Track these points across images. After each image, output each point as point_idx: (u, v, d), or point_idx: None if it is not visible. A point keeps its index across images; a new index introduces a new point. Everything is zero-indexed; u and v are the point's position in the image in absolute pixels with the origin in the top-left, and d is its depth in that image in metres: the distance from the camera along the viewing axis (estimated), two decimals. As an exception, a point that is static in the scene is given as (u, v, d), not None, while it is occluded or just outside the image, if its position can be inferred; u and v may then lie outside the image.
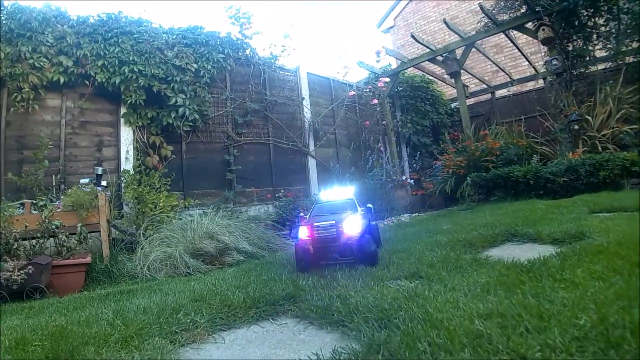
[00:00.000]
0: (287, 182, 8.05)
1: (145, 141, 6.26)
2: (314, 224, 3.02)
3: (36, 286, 3.28)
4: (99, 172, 4.76)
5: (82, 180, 4.66)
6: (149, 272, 3.81)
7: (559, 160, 6.09)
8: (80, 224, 3.86)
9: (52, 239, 3.87)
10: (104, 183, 4.99)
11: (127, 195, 5.69)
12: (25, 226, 3.67)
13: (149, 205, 5.67)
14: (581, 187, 5.46)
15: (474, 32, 8.66)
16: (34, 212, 4.03)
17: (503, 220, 3.96)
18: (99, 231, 4.22)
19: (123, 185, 5.80)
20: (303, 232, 3.00)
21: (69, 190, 4.24)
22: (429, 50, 9.25)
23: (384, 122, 10.01)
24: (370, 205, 3.56)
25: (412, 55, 10.61)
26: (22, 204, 4.24)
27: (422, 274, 2.26)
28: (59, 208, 4.08)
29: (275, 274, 2.82)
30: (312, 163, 8.54)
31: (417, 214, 7.75)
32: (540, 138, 8.28)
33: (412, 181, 9.62)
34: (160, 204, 5.75)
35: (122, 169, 5.93)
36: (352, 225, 2.91)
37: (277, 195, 7.61)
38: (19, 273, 3.12)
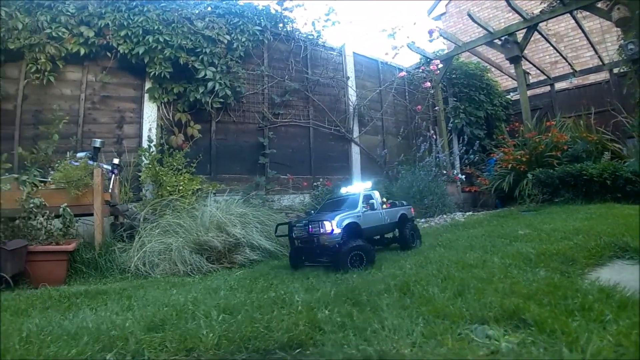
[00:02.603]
0: (327, 170, 7.24)
1: (171, 119, 5.72)
2: (292, 223, 2.90)
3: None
4: (97, 145, 4.15)
5: (78, 154, 4.06)
6: (143, 267, 3.16)
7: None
8: (64, 205, 3.26)
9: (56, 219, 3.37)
10: (115, 161, 4.45)
11: (143, 175, 5.17)
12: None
13: (168, 188, 5.12)
14: None
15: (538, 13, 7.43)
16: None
17: (596, 227, 2.98)
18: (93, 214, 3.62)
19: (143, 165, 5.31)
20: (286, 230, 2.93)
21: (62, 164, 3.68)
22: (486, 32, 8.09)
23: (436, 109, 8.93)
24: (373, 200, 3.12)
25: (464, 44, 9.43)
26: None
27: (524, 315, 1.33)
28: (52, 185, 3.52)
29: (287, 289, 2.00)
30: (355, 151, 7.66)
31: (470, 212, 6.74)
32: (610, 134, 6.93)
33: (463, 176, 8.54)
34: (181, 187, 5.20)
35: (143, 148, 5.43)
36: (325, 227, 2.60)
37: (314, 184, 6.81)
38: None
